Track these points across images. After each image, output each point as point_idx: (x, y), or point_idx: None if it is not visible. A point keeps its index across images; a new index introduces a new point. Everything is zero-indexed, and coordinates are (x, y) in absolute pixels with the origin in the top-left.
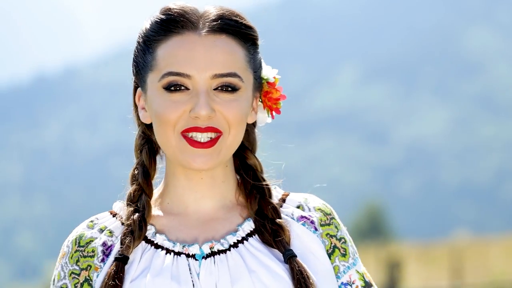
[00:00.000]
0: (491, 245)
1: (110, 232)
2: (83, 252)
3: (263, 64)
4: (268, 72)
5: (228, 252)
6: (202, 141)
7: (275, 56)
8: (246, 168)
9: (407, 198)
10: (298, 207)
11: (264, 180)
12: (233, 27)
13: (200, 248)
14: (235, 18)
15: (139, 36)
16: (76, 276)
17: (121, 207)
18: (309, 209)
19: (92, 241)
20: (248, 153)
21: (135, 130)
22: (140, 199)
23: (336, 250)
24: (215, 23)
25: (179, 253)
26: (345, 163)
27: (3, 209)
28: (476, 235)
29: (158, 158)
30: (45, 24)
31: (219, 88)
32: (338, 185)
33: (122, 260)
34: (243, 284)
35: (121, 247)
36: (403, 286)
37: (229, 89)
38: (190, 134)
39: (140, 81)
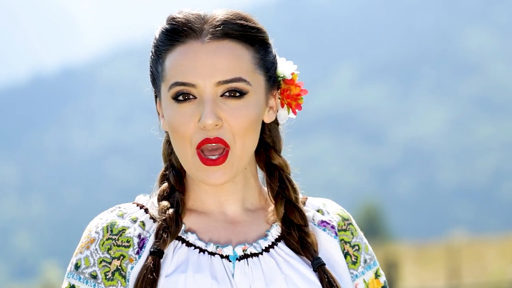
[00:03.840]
0: (488, 245)
1: (143, 224)
2: (117, 241)
3: (280, 60)
4: (285, 68)
5: (260, 255)
6: (213, 158)
7: None
8: (271, 168)
9: (405, 198)
10: (317, 211)
11: (291, 181)
12: (236, 31)
13: (233, 250)
14: (239, 21)
15: (152, 45)
16: (107, 265)
17: (147, 200)
18: (329, 213)
19: (126, 230)
20: (272, 152)
21: (161, 136)
22: (173, 196)
23: (348, 257)
24: (217, 29)
25: (213, 253)
26: (343, 163)
27: (0, 210)
28: (473, 235)
29: None
30: (42, 24)
31: (226, 94)
32: (335, 185)
33: (158, 254)
34: (278, 286)
35: (156, 241)
36: (400, 286)
37: (237, 94)
38: (202, 148)
39: (156, 90)
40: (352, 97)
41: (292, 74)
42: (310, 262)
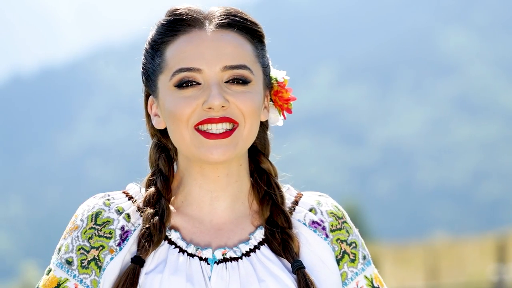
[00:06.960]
0: (466, 245)
1: (128, 216)
2: (99, 231)
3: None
4: (276, 72)
5: (239, 260)
6: (217, 132)
7: None
8: (260, 172)
9: (384, 199)
10: (310, 210)
11: (278, 186)
12: (239, 23)
13: (213, 253)
14: (240, 14)
15: (146, 44)
16: (85, 253)
17: (137, 191)
18: (322, 213)
19: (110, 222)
20: (261, 156)
21: (148, 142)
22: (159, 202)
23: (346, 256)
24: (221, 19)
25: (192, 255)
26: (322, 164)
27: None
28: (452, 235)
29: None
30: (20, 24)
31: (231, 80)
32: (314, 186)
33: (138, 263)
34: None
35: (138, 249)
36: None
37: (240, 81)
38: (204, 127)
39: (150, 87)
40: (331, 98)
41: (283, 78)
42: (290, 266)
